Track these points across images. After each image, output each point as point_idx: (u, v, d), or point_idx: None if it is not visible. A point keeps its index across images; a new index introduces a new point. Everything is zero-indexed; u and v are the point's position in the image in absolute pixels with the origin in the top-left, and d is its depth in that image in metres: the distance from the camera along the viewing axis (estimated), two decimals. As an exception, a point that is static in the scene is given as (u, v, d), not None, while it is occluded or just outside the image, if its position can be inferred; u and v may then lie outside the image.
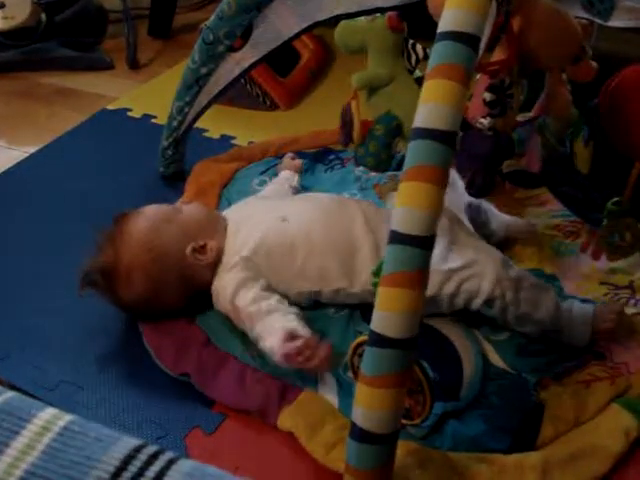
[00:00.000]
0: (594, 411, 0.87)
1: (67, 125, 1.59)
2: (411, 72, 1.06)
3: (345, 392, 0.90)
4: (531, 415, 0.87)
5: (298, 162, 1.32)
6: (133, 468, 0.40)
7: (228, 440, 0.88)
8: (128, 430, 0.88)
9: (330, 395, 0.91)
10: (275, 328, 0.91)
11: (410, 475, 0.79)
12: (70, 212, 1.29)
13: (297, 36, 1.23)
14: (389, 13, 1.04)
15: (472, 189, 0.97)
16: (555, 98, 0.96)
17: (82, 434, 0.42)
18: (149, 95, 1.73)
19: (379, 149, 1.06)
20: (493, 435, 0.85)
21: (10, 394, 0.45)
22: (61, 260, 1.11)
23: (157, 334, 1.01)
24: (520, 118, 0.96)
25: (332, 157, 1.40)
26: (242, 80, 1.45)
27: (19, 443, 0.42)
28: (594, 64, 0.93)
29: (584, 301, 0.99)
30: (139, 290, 0.99)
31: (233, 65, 1.24)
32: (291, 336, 0.88)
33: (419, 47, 1.05)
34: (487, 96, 0.91)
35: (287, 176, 1.27)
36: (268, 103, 1.65)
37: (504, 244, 1.12)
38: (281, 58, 1.52)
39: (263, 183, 1.31)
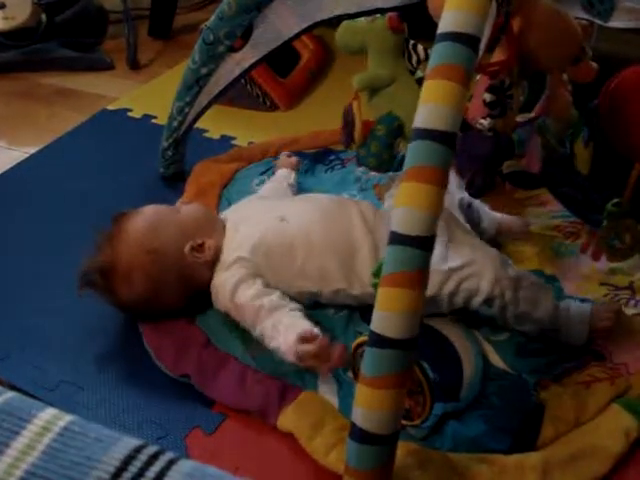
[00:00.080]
0: (594, 412, 0.87)
1: (67, 125, 1.59)
2: (412, 73, 1.06)
3: (345, 392, 0.90)
4: (531, 416, 0.87)
5: (294, 160, 1.32)
6: (133, 468, 0.40)
7: (228, 440, 0.88)
8: (128, 430, 0.88)
9: (330, 395, 0.91)
10: (285, 325, 0.90)
11: (410, 476, 0.79)
12: (70, 212, 1.29)
13: (297, 36, 1.23)
14: (389, 14, 1.04)
15: (472, 189, 0.97)
16: (555, 99, 0.96)
17: (82, 434, 0.42)
18: (149, 95, 1.73)
19: (381, 149, 1.07)
20: (493, 436, 0.85)
21: (10, 394, 0.45)
22: (61, 260, 1.11)
23: (157, 334, 1.01)
24: (520, 119, 0.96)
25: (332, 157, 1.40)
26: (242, 80, 1.45)
27: (19, 443, 0.42)
28: (594, 65, 0.94)
29: (583, 301, 1.00)
30: (138, 290, 0.99)
31: (233, 65, 1.25)
32: (305, 338, 0.87)
33: (420, 48, 1.05)
34: (487, 97, 0.91)
35: (284, 174, 1.27)
36: (268, 103, 1.65)
37: (503, 245, 1.12)
38: (281, 58, 1.52)
39: (263, 183, 1.31)
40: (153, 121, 1.59)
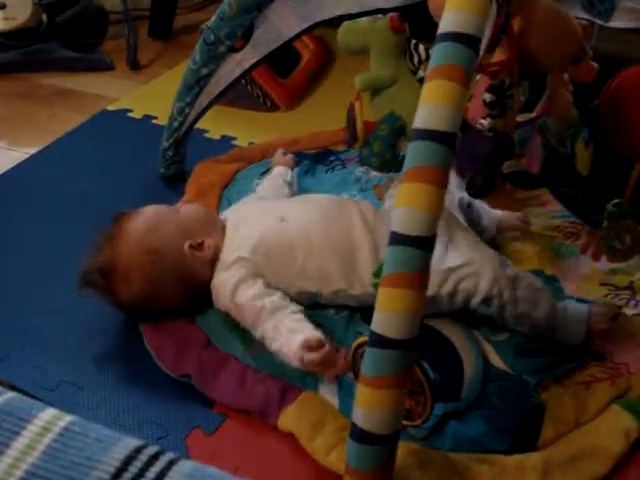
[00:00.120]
0: (594, 412, 0.87)
1: (67, 126, 1.59)
2: (414, 73, 1.06)
3: (345, 393, 0.90)
4: (532, 416, 0.87)
5: (289, 157, 1.32)
6: (133, 469, 0.40)
7: (228, 440, 0.88)
8: (129, 431, 0.88)
9: (330, 396, 0.91)
10: (288, 328, 0.90)
11: (410, 476, 0.79)
12: (70, 212, 1.29)
13: (298, 36, 1.23)
14: (391, 14, 1.04)
15: (472, 190, 0.97)
16: (556, 99, 0.96)
17: (82, 435, 0.42)
18: (150, 96, 1.73)
19: (383, 149, 1.07)
20: (494, 436, 0.84)
21: (10, 394, 0.45)
22: (61, 260, 1.11)
23: (157, 334, 1.01)
24: (520, 119, 0.96)
25: (333, 158, 1.40)
26: (243, 81, 1.45)
27: (19, 444, 0.42)
28: (595, 65, 0.94)
29: (583, 301, 1.00)
30: (138, 289, 0.99)
31: (234, 66, 1.25)
32: (310, 346, 0.87)
33: (421, 48, 1.05)
34: (487, 97, 0.91)
35: (280, 172, 1.27)
36: (269, 104, 1.65)
37: (502, 244, 1.12)
38: (282, 59, 1.52)
39: (263, 183, 1.31)
40: (153, 121, 1.59)
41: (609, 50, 1.09)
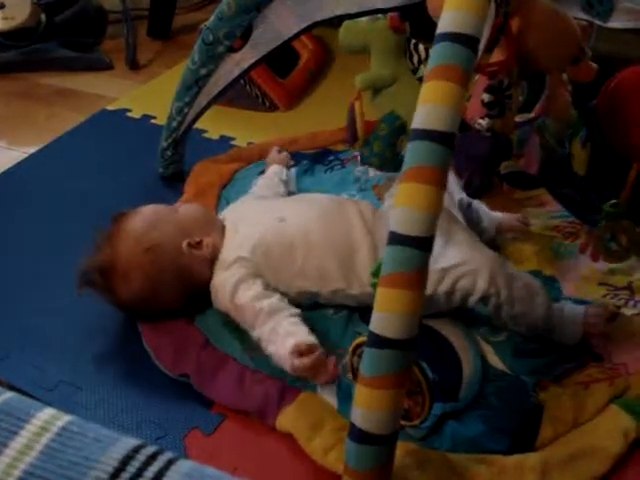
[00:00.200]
0: (593, 412, 0.87)
1: (67, 125, 1.59)
2: (414, 72, 1.06)
3: (344, 393, 0.90)
4: (530, 416, 0.87)
5: (284, 155, 1.33)
6: (132, 469, 0.40)
7: (227, 441, 0.88)
8: (127, 430, 0.88)
9: (329, 396, 0.91)
10: (284, 331, 0.91)
11: (409, 476, 0.79)
12: (70, 212, 1.29)
13: (296, 36, 1.23)
14: (391, 14, 1.04)
15: (469, 190, 0.97)
16: (555, 99, 0.96)
17: (81, 434, 0.42)
18: (149, 96, 1.73)
19: (384, 149, 1.07)
20: (492, 436, 0.85)
21: (9, 394, 0.45)
22: (61, 260, 1.11)
23: (156, 334, 1.01)
24: (519, 119, 0.96)
25: (332, 158, 1.40)
26: (242, 81, 1.45)
27: (17, 443, 0.42)
28: (594, 65, 0.94)
29: (581, 302, 1.00)
30: (137, 288, 0.99)
31: (233, 66, 1.25)
32: (300, 351, 0.88)
33: (421, 47, 1.05)
34: (486, 97, 0.91)
35: (275, 170, 1.28)
36: (267, 104, 1.65)
37: (502, 245, 1.12)
38: (280, 59, 1.52)
39: (262, 183, 1.31)
40: (152, 121, 1.59)
41: (608, 50, 1.09)
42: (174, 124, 1.32)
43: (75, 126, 1.59)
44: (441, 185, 0.67)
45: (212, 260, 1.02)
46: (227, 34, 1.19)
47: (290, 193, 1.25)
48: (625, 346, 0.95)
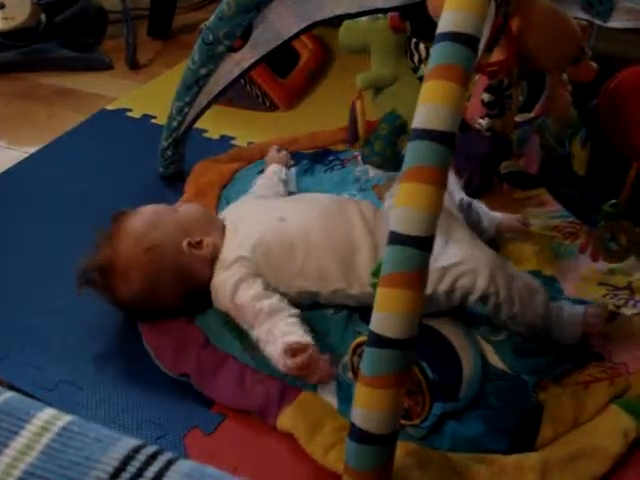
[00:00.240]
0: (593, 412, 0.87)
1: (67, 125, 1.59)
2: (415, 71, 1.06)
3: (344, 393, 0.90)
4: (530, 416, 0.87)
5: (283, 154, 1.33)
6: (132, 469, 0.40)
7: (227, 440, 0.88)
8: (127, 430, 0.88)
9: (329, 396, 0.91)
10: (280, 332, 0.90)
11: (409, 476, 0.79)
12: (70, 212, 1.29)
13: (296, 36, 1.23)
14: (391, 13, 1.04)
15: (469, 189, 0.97)
16: (555, 99, 0.96)
17: (81, 434, 0.42)
18: (149, 95, 1.73)
19: (384, 148, 1.07)
20: (492, 436, 0.85)
21: (9, 394, 0.45)
22: (61, 260, 1.10)
23: (156, 334, 1.01)
24: (519, 119, 0.96)
25: (332, 158, 1.40)
26: (242, 81, 1.45)
27: (18, 443, 0.42)
28: (594, 65, 0.94)
29: (580, 302, 1.00)
30: (137, 288, 0.99)
31: (233, 65, 1.25)
32: (292, 350, 0.87)
33: (422, 46, 1.06)
34: (486, 97, 0.91)
35: (275, 169, 1.28)
36: (267, 104, 1.65)
37: (501, 245, 1.12)
38: (280, 59, 1.52)
39: (262, 183, 1.31)
40: (152, 121, 1.59)
41: (608, 50, 1.09)
42: (174, 124, 1.32)
43: (75, 126, 1.59)
44: (441, 185, 0.67)
45: (212, 260, 1.02)
46: (227, 34, 1.19)
47: (290, 193, 1.25)
48: (625, 346, 0.95)
